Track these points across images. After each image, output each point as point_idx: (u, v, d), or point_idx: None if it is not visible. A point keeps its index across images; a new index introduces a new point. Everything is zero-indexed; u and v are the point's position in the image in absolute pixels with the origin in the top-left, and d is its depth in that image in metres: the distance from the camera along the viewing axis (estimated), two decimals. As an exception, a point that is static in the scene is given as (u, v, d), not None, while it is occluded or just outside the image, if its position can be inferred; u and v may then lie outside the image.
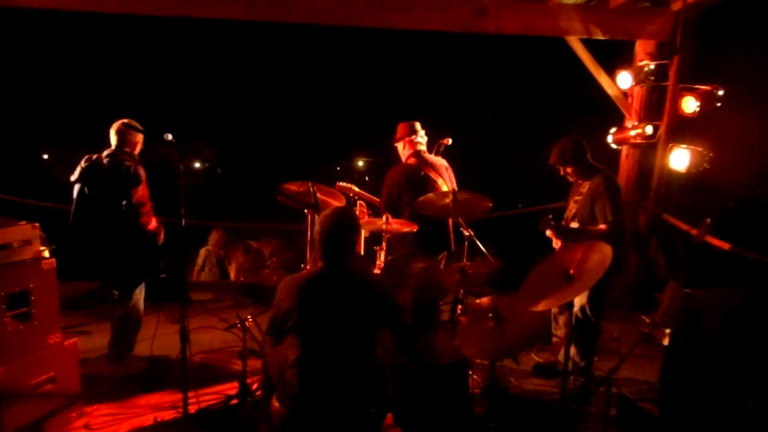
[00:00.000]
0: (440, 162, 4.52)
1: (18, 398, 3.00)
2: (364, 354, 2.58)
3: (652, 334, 4.87)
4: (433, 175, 4.40)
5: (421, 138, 4.48)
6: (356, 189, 4.62)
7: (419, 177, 4.37)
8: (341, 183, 4.58)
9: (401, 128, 4.50)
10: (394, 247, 4.25)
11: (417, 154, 4.45)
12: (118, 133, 3.92)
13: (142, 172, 3.87)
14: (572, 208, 3.91)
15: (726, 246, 4.70)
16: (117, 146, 3.91)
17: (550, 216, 3.75)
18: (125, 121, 3.93)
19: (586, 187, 3.81)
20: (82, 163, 3.86)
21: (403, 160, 4.52)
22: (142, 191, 3.83)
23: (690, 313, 2.86)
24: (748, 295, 2.78)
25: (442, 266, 4.38)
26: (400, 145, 4.54)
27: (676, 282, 5.01)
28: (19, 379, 3.02)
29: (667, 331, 4.59)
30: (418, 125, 4.49)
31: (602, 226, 3.65)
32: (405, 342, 2.73)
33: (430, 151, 4.66)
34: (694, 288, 2.90)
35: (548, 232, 3.81)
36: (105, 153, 3.87)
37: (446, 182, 4.44)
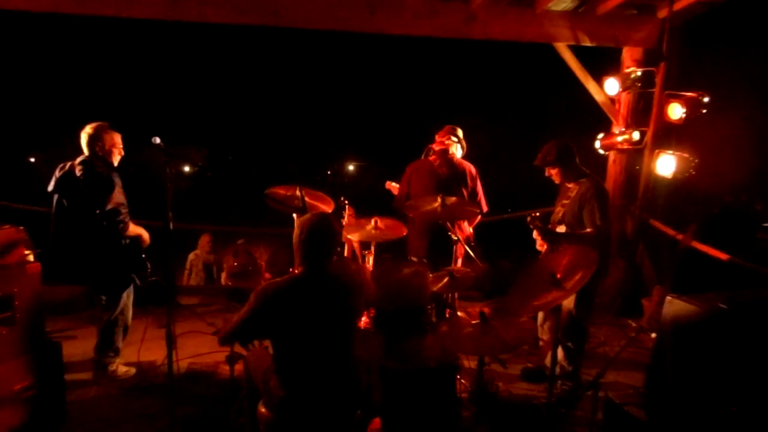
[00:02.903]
0: (462, 167, 4.53)
1: (1, 404, 2.97)
2: (348, 357, 2.58)
3: (639, 338, 4.90)
4: (448, 175, 4.43)
5: (455, 141, 4.51)
6: None
7: (432, 175, 4.42)
8: (390, 183, 4.75)
9: (444, 127, 4.57)
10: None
11: (441, 153, 4.49)
12: (89, 138, 3.81)
13: (115, 177, 3.79)
14: (559, 211, 3.92)
15: (724, 257, 4.71)
16: (89, 152, 3.82)
17: (538, 214, 3.77)
18: (95, 124, 3.84)
19: (574, 191, 3.82)
20: (57, 173, 3.79)
21: (428, 157, 4.59)
22: (115, 197, 3.75)
23: (675, 318, 2.88)
24: (732, 299, 2.81)
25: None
26: (436, 140, 4.58)
27: (663, 287, 5.06)
28: (3, 384, 2.98)
29: (653, 335, 4.63)
30: (459, 132, 4.56)
31: (589, 230, 3.66)
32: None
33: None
34: (680, 292, 2.93)
35: (534, 234, 3.83)
36: (78, 160, 3.78)
37: (461, 187, 4.45)
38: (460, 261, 4.32)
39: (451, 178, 4.44)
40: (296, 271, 2.59)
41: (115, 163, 3.94)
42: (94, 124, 3.85)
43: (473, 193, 4.54)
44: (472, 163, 4.63)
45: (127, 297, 3.99)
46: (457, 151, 4.55)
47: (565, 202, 3.89)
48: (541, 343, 4.25)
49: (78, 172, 3.72)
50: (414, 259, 4.56)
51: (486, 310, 3.02)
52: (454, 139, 4.52)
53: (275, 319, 2.46)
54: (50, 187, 3.81)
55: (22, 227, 3.22)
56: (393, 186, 4.77)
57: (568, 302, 3.76)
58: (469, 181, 4.52)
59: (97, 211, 3.67)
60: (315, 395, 2.48)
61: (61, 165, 3.82)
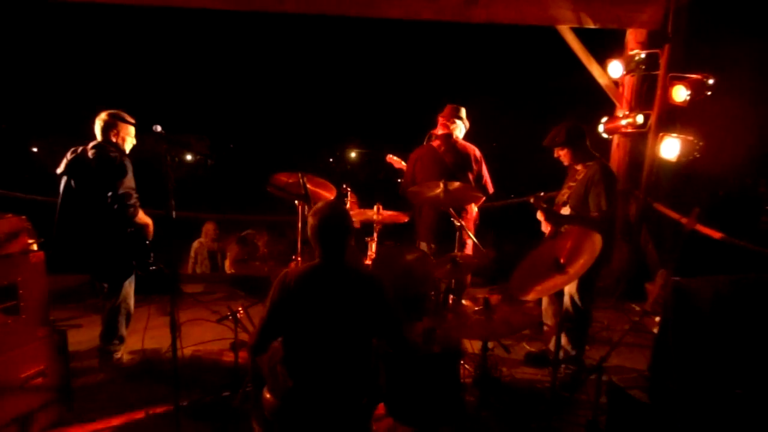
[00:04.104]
0: (467, 150, 4.54)
1: (7, 392, 2.99)
2: (359, 347, 2.57)
3: (642, 322, 4.90)
4: (453, 161, 4.44)
5: (456, 124, 4.51)
6: (403, 164, 4.73)
7: (437, 160, 4.42)
8: (391, 156, 4.77)
9: (447, 108, 4.55)
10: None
11: (445, 137, 4.50)
12: (104, 124, 3.85)
13: (128, 163, 3.80)
14: (565, 193, 3.90)
15: (717, 235, 4.73)
16: (103, 138, 3.85)
17: (543, 194, 3.76)
18: (111, 112, 3.87)
19: (581, 174, 3.79)
20: (68, 155, 3.81)
21: (432, 141, 4.60)
22: (127, 182, 3.76)
23: (679, 301, 2.87)
24: (736, 283, 2.80)
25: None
26: (439, 121, 4.58)
27: (666, 270, 5.05)
28: (9, 372, 3.01)
29: (657, 319, 4.63)
30: (462, 112, 4.54)
31: (594, 215, 3.64)
32: (397, 344, 2.65)
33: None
34: (684, 276, 2.92)
35: (538, 214, 3.82)
36: (90, 144, 3.81)
37: (470, 170, 4.47)
38: (470, 243, 4.32)
39: (456, 163, 4.43)
40: (299, 258, 2.58)
41: (127, 151, 3.97)
42: (110, 111, 3.87)
43: (479, 176, 4.55)
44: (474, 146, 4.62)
45: (129, 285, 4.00)
46: (460, 132, 4.53)
47: (571, 184, 3.86)
48: (545, 327, 4.25)
49: (91, 155, 3.75)
50: (423, 244, 4.57)
51: (491, 297, 3.02)
52: (458, 122, 4.50)
53: (294, 306, 2.47)
54: (60, 169, 3.82)
55: (24, 216, 3.23)
56: (394, 159, 4.78)
57: (571, 287, 3.76)
58: (474, 164, 4.52)
59: (109, 194, 3.68)
60: (323, 384, 2.48)
61: (73, 148, 3.84)
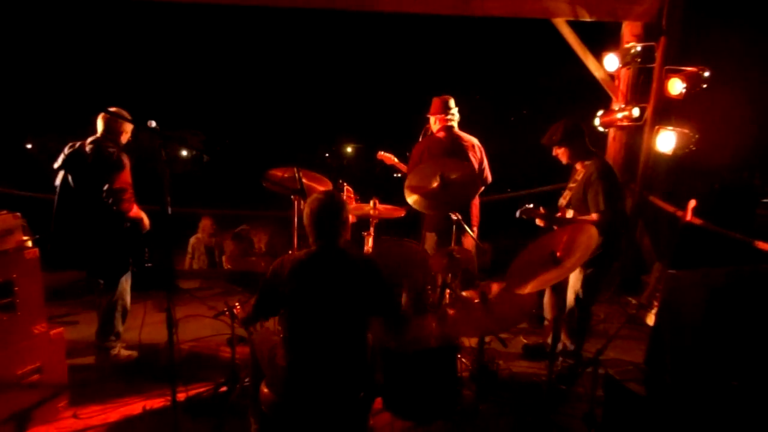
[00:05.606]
0: (469, 139, 4.57)
1: (4, 389, 2.98)
2: (356, 337, 2.59)
3: (639, 315, 4.92)
4: (459, 150, 4.47)
5: (452, 115, 4.54)
6: (395, 160, 4.77)
7: (445, 149, 4.45)
8: (382, 152, 4.80)
9: (435, 103, 4.56)
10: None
11: (446, 129, 4.53)
12: (104, 121, 3.87)
13: (125, 159, 3.81)
14: (566, 195, 3.83)
15: (698, 221, 4.78)
16: (102, 134, 3.86)
17: (531, 205, 3.64)
18: (112, 109, 3.87)
19: (580, 174, 3.72)
20: (66, 150, 3.82)
21: (434, 133, 4.61)
22: (124, 177, 3.77)
23: (675, 294, 2.88)
24: (731, 275, 2.81)
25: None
26: (432, 119, 4.61)
27: (662, 263, 5.06)
28: (5, 369, 3.00)
29: (653, 311, 4.65)
30: (451, 102, 4.55)
31: (593, 216, 3.55)
32: (397, 325, 2.79)
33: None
34: (680, 269, 2.92)
35: (538, 221, 3.71)
36: (89, 140, 3.82)
37: (472, 159, 4.50)
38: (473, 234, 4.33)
39: (463, 153, 4.48)
40: (311, 247, 2.62)
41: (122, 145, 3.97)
42: (112, 109, 3.86)
43: (482, 166, 4.58)
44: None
45: (125, 281, 4.00)
46: (455, 123, 4.56)
47: (572, 185, 3.80)
48: (546, 322, 4.25)
49: (88, 150, 3.76)
50: (430, 234, 4.58)
51: (486, 288, 3.02)
52: (453, 112, 4.52)
53: (289, 289, 2.50)
54: (57, 164, 3.83)
55: (18, 213, 3.22)
56: (386, 156, 4.80)
57: (576, 283, 3.73)
58: (478, 153, 4.57)
59: (105, 188, 3.68)
60: (320, 375, 2.49)
61: (71, 143, 3.84)
